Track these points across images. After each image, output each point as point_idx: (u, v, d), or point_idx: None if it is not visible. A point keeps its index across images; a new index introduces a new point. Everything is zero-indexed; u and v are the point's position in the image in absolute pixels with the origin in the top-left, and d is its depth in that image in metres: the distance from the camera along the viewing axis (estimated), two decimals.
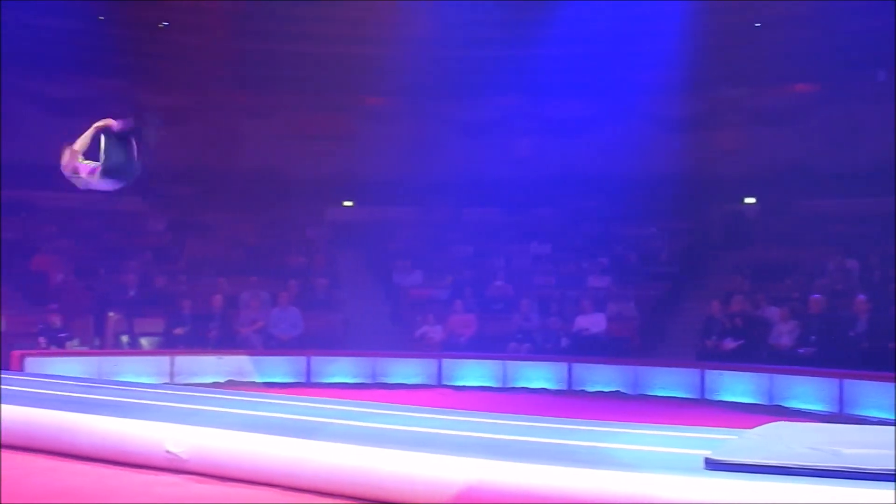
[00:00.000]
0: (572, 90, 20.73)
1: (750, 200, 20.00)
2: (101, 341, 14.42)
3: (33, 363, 12.21)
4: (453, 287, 16.71)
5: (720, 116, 20.56)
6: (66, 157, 7.87)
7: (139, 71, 20.90)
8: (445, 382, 13.80)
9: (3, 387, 8.28)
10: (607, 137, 21.05)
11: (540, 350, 14.59)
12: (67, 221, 17.91)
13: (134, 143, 7.85)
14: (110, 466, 6.33)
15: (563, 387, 13.64)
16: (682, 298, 16.54)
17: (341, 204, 21.49)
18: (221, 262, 17.30)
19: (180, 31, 20.46)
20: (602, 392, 13.44)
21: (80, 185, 7.76)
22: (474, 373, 13.95)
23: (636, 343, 15.14)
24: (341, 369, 13.88)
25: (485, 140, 22.17)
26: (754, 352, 13.22)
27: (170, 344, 14.19)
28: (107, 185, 7.88)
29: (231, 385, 12.86)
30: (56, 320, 13.32)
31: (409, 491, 5.33)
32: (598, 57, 19.35)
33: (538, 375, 13.82)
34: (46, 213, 18.07)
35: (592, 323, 14.71)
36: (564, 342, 14.60)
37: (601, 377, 13.65)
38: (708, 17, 17.88)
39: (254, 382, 13.25)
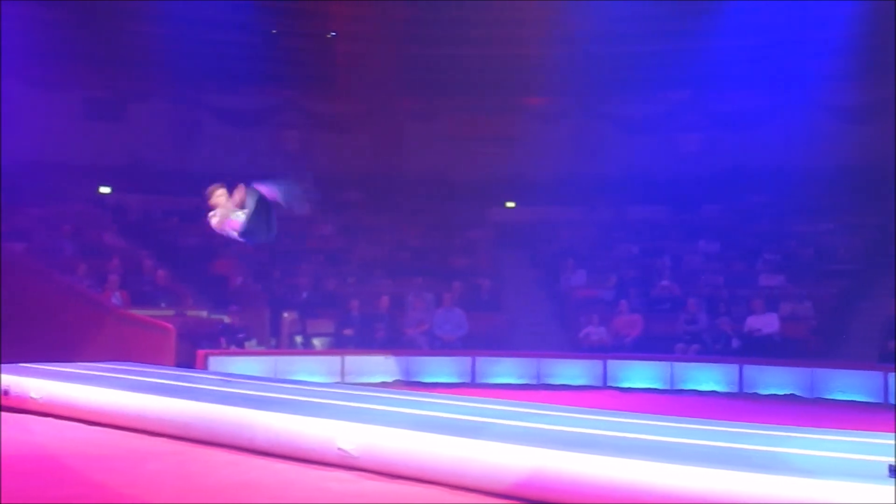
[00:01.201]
0: (741, 82, 20.10)
1: None
2: (276, 341, 15.08)
3: (216, 362, 12.88)
4: (618, 287, 16.46)
5: None
6: (219, 211, 8.65)
7: (309, 81, 21.76)
8: (611, 384, 13.60)
9: (189, 384, 8.82)
10: (779, 130, 20.27)
11: (709, 351, 14.15)
12: None
13: (274, 212, 8.47)
14: (286, 461, 6.60)
15: (734, 389, 13.19)
16: (862, 297, 15.66)
17: (504, 205, 21.58)
18: (388, 264, 17.71)
19: (347, 41, 21.15)
20: (776, 395, 12.92)
21: (221, 232, 8.40)
22: (640, 374, 13.69)
23: (812, 344, 14.47)
24: (506, 370, 13.92)
25: (650, 136, 21.78)
26: None
27: (340, 344, 14.63)
28: (242, 240, 8.28)
29: (398, 385, 13.14)
30: (236, 321, 14.00)
31: (574, 492, 5.29)
32: (768, 47, 18.67)
33: (707, 377, 13.43)
34: None
35: (764, 323, 14.16)
36: (735, 343, 14.11)
37: (774, 380, 13.12)
38: (883, 1, 16.87)
39: (420, 382, 13.48)
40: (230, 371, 12.22)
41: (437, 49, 21.06)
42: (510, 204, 21.60)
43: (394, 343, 14.65)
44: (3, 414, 8.61)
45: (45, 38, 18.68)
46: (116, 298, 14.13)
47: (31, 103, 19.43)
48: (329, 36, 20.84)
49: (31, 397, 8.63)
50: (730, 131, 20.99)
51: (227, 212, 8.50)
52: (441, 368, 13.96)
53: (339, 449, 6.39)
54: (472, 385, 13.57)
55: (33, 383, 8.73)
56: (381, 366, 13.79)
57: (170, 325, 12.79)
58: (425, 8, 19.73)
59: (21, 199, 17.51)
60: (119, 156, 20.25)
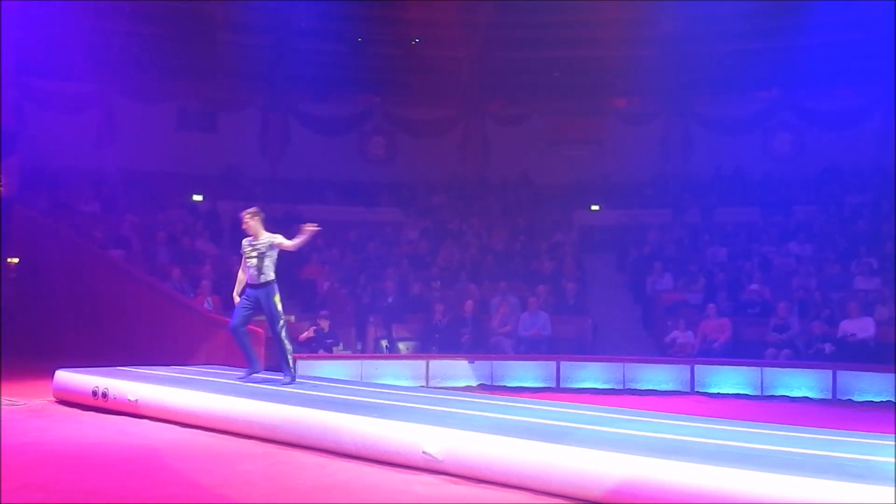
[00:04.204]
0: (835, 79, 19.57)
1: None
2: (362, 345, 15.27)
3: (303, 365, 13.09)
4: (706, 290, 16.17)
5: None
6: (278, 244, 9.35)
7: (395, 87, 22.01)
8: (699, 389, 13.37)
9: (276, 388, 9.01)
10: (877, 128, 19.69)
11: (801, 356, 13.78)
12: (333, 233, 19.10)
13: None
14: (371, 464, 6.70)
15: (828, 396, 12.81)
16: None
17: (590, 207, 21.43)
18: (473, 269, 17.75)
19: (432, 46, 21.30)
20: (871, 402, 12.50)
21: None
22: (729, 380, 13.41)
23: None
24: (591, 375, 13.80)
25: (741, 137, 21.40)
26: None
27: (425, 348, 14.73)
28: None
29: (483, 389, 13.16)
30: (325, 325, 14.22)
31: (662, 500, 5.24)
32: (863, 43, 18.09)
33: (799, 383, 13.07)
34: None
35: (860, 328, 13.72)
36: (828, 348, 13.71)
37: (870, 386, 12.70)
38: None
39: (504, 387, 13.47)
40: (317, 375, 12.43)
41: (522, 52, 21.06)
42: (596, 207, 21.44)
43: (478, 347, 14.67)
44: (103, 416, 8.95)
45: (140, 51, 19.34)
46: (209, 303, 14.51)
47: (128, 115, 20.14)
48: (414, 42, 21.02)
49: (129, 400, 8.94)
50: (823, 130, 20.46)
51: (282, 246, 9.36)
52: (525, 373, 13.92)
53: (424, 452, 6.45)
54: (556, 390, 13.49)
55: (130, 386, 9.04)
56: (465, 370, 13.83)
57: (259, 330, 13.06)
58: (510, 12, 19.73)
59: (120, 207, 18.18)
60: (211, 164, 20.84)
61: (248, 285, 9.31)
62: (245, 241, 9.37)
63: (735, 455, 5.57)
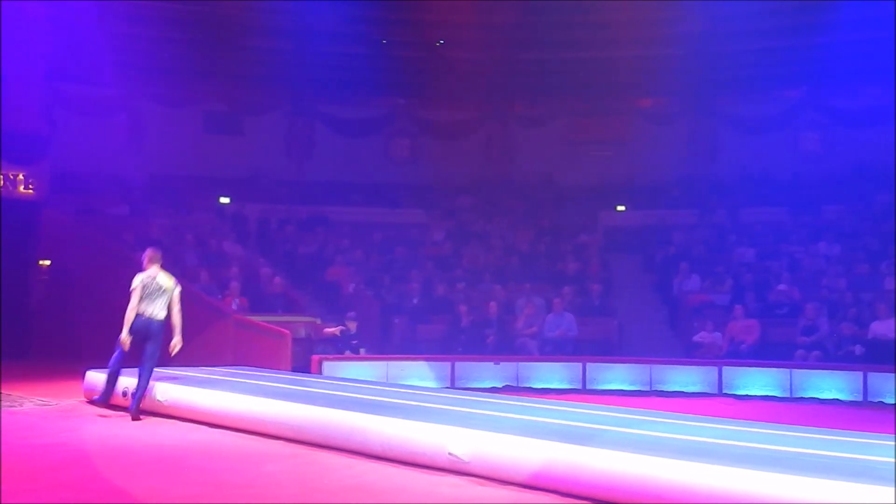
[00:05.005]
0: (862, 77, 19.34)
1: None
2: (388, 346, 15.28)
3: (330, 367, 13.16)
4: (733, 291, 16.06)
5: None
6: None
7: (420, 89, 22.03)
8: (726, 391, 13.27)
9: (304, 388, 9.05)
10: None
11: (830, 358, 13.65)
12: (358, 234, 19.18)
13: None
14: (397, 465, 6.72)
15: (858, 398, 12.67)
16: None
17: (615, 208, 21.35)
18: (497, 270, 17.74)
19: (456, 48, 21.30)
20: None
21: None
22: (757, 381, 13.30)
23: None
24: (617, 376, 13.74)
25: (767, 136, 21.22)
26: None
27: (450, 349, 14.73)
28: None
29: (508, 390, 13.14)
30: (353, 327, 14.26)
31: (689, 502, 5.21)
32: (891, 40, 17.84)
33: (829, 385, 12.93)
34: (339, 227, 19.46)
35: (890, 329, 13.56)
36: (858, 350, 13.56)
37: None
38: None
39: (530, 388, 13.44)
40: (344, 376, 12.47)
41: (546, 53, 21.00)
42: (621, 207, 21.36)
43: (503, 349, 14.66)
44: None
45: (167, 56, 19.49)
46: (236, 304, 14.60)
47: (155, 119, 20.32)
48: (438, 44, 21.03)
49: (158, 400, 9.02)
50: (851, 129, 20.25)
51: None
52: (551, 374, 13.88)
53: (450, 454, 6.46)
54: (582, 391, 13.45)
55: (159, 387, 9.13)
56: (490, 371, 13.83)
57: (286, 331, 13.14)
58: (533, 13, 19.69)
59: (148, 210, 18.35)
60: (238, 167, 20.97)
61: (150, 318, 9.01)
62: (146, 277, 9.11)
63: (764, 458, 5.53)
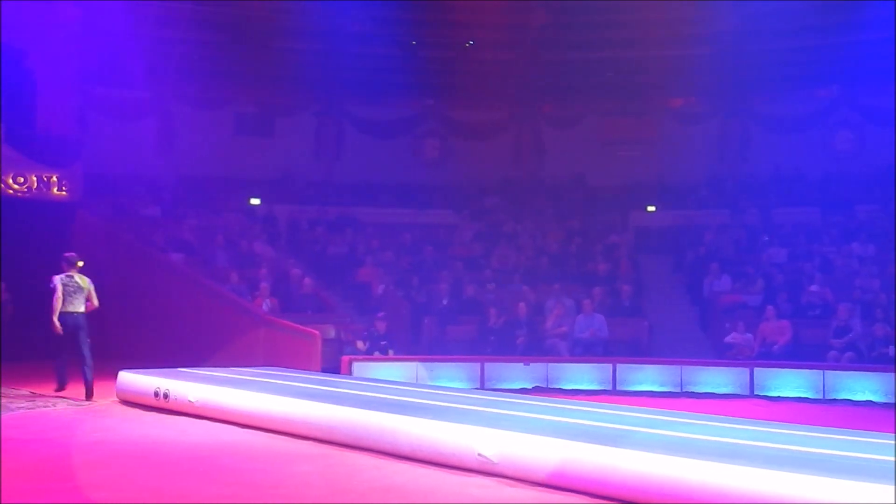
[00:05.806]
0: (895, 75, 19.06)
1: None
2: (417, 347, 15.30)
3: (359, 367, 13.21)
4: (765, 292, 15.91)
5: None
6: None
7: (449, 90, 22.06)
8: (758, 392, 13.15)
9: (333, 389, 9.09)
10: None
11: (863, 359, 13.49)
12: (388, 235, 19.22)
13: None
14: (426, 466, 6.73)
15: (892, 399, 12.47)
16: None
17: (646, 209, 21.23)
18: (527, 270, 17.71)
19: (485, 49, 21.29)
20: None
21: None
22: (790, 383, 13.17)
23: None
24: (647, 377, 13.66)
25: (798, 135, 21.03)
26: None
27: (479, 350, 14.72)
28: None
29: (538, 391, 13.11)
30: (382, 328, 14.29)
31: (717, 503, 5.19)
32: None
33: (863, 387, 12.78)
34: (369, 228, 19.52)
35: None
36: (892, 350, 13.40)
37: None
38: None
39: (560, 389, 13.41)
40: (373, 376, 12.51)
41: (576, 53, 20.94)
42: (651, 208, 21.23)
43: (533, 349, 14.63)
44: (164, 416, 9.13)
45: (198, 59, 19.66)
46: (267, 305, 14.70)
47: (186, 121, 20.51)
48: (467, 45, 21.03)
49: (189, 401, 9.11)
50: (884, 127, 19.97)
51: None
52: (581, 375, 13.83)
53: (480, 455, 6.46)
54: (612, 392, 13.38)
55: (190, 387, 9.22)
56: (520, 372, 13.80)
57: (316, 332, 13.20)
58: (562, 13, 19.63)
59: (179, 211, 18.52)
60: (268, 168, 21.10)
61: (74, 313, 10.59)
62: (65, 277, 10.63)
63: (796, 460, 5.48)
